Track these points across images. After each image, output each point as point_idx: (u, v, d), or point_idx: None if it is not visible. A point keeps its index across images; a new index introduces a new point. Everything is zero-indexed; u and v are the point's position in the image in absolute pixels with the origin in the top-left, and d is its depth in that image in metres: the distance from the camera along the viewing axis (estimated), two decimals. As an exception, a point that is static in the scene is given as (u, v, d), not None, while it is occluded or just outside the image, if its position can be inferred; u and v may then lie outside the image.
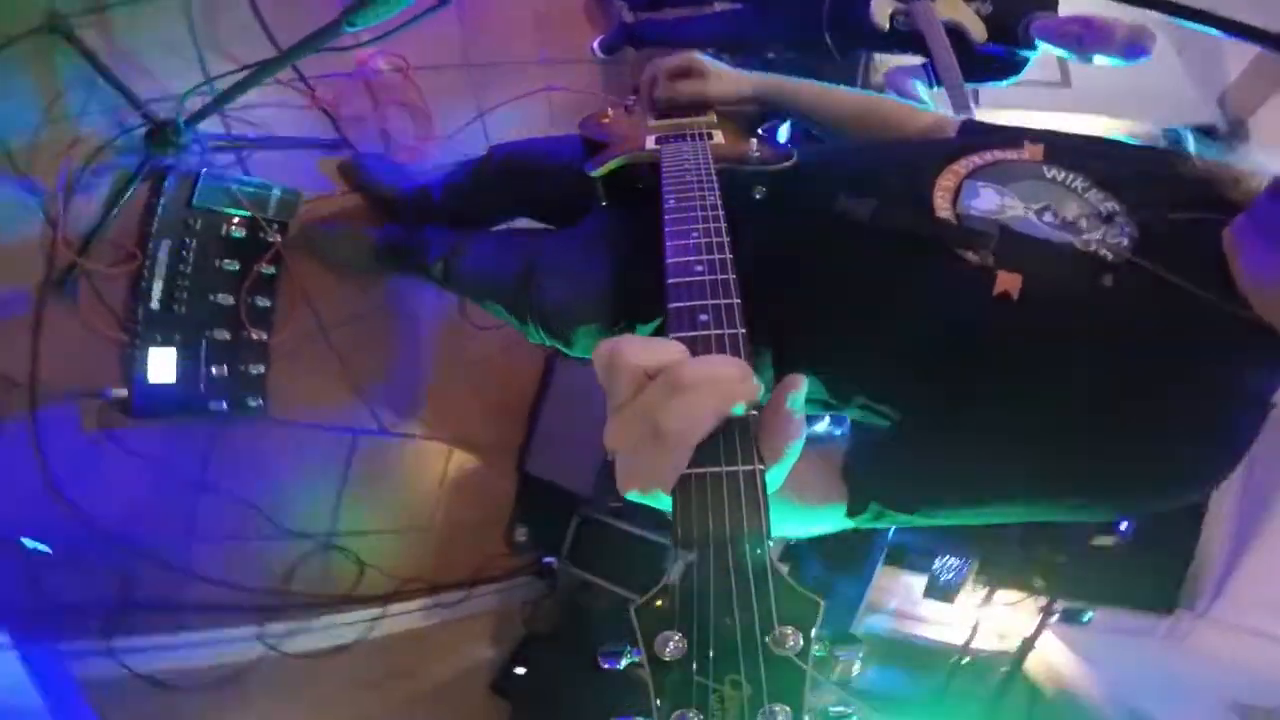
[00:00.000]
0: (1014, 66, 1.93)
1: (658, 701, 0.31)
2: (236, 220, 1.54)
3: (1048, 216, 0.71)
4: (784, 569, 0.34)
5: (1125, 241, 0.67)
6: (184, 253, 1.46)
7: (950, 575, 2.09)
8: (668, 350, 0.40)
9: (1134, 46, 1.72)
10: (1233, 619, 2.06)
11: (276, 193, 1.58)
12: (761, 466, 0.37)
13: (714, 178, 0.69)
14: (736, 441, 0.38)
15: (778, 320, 0.74)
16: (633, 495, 0.39)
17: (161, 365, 1.46)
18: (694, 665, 0.31)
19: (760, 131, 0.89)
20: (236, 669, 1.69)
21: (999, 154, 0.78)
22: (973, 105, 1.77)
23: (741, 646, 0.32)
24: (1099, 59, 1.78)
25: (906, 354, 0.71)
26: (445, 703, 2.12)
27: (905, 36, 1.87)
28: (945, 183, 0.75)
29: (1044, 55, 1.95)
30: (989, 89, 2.05)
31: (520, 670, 2.16)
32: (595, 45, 2.32)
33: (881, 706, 2.10)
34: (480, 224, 1.41)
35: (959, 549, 2.15)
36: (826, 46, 2.00)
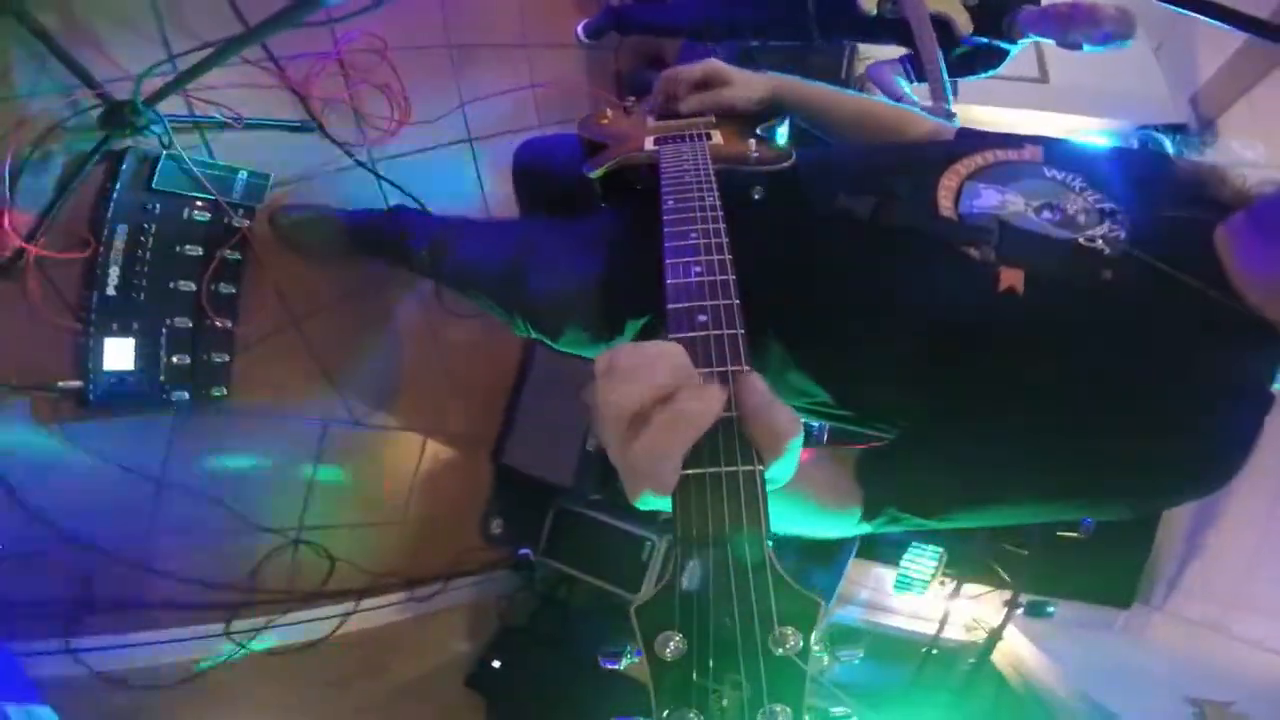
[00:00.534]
0: (993, 60, 1.95)
1: (658, 702, 0.31)
2: (200, 204, 1.47)
3: (1046, 214, 0.72)
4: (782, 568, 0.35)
5: (1123, 235, 0.69)
6: (142, 238, 1.39)
7: (919, 570, 2.13)
8: (659, 352, 0.39)
9: (1119, 29, 1.75)
10: (1186, 612, 2.13)
11: (243, 175, 1.52)
12: (761, 467, 0.37)
13: (713, 178, 0.69)
14: (736, 442, 0.38)
15: (780, 322, 0.74)
16: (642, 502, 0.38)
17: (118, 354, 1.40)
18: (694, 665, 0.32)
19: (759, 132, 0.89)
20: (204, 667, 1.65)
21: (1000, 154, 0.79)
22: (951, 98, 1.78)
23: (741, 647, 0.32)
24: (1086, 45, 1.80)
25: (912, 352, 0.71)
26: (420, 699, 2.11)
27: (891, 25, 1.87)
28: (948, 182, 0.76)
29: (1024, 51, 1.96)
30: (967, 82, 2.07)
31: (496, 664, 2.16)
32: (580, 30, 2.28)
33: (855, 697, 2.14)
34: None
35: (927, 540, 2.19)
36: (812, 33, 2.00)
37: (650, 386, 0.37)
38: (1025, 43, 1.93)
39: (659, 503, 0.38)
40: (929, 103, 1.72)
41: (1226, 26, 0.86)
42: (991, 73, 1.99)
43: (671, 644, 0.32)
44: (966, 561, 2.19)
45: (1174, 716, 1.56)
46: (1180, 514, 2.19)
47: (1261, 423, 0.65)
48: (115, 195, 1.35)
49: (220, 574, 1.71)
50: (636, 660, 0.33)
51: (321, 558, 1.87)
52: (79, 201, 1.34)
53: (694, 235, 0.57)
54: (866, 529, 0.72)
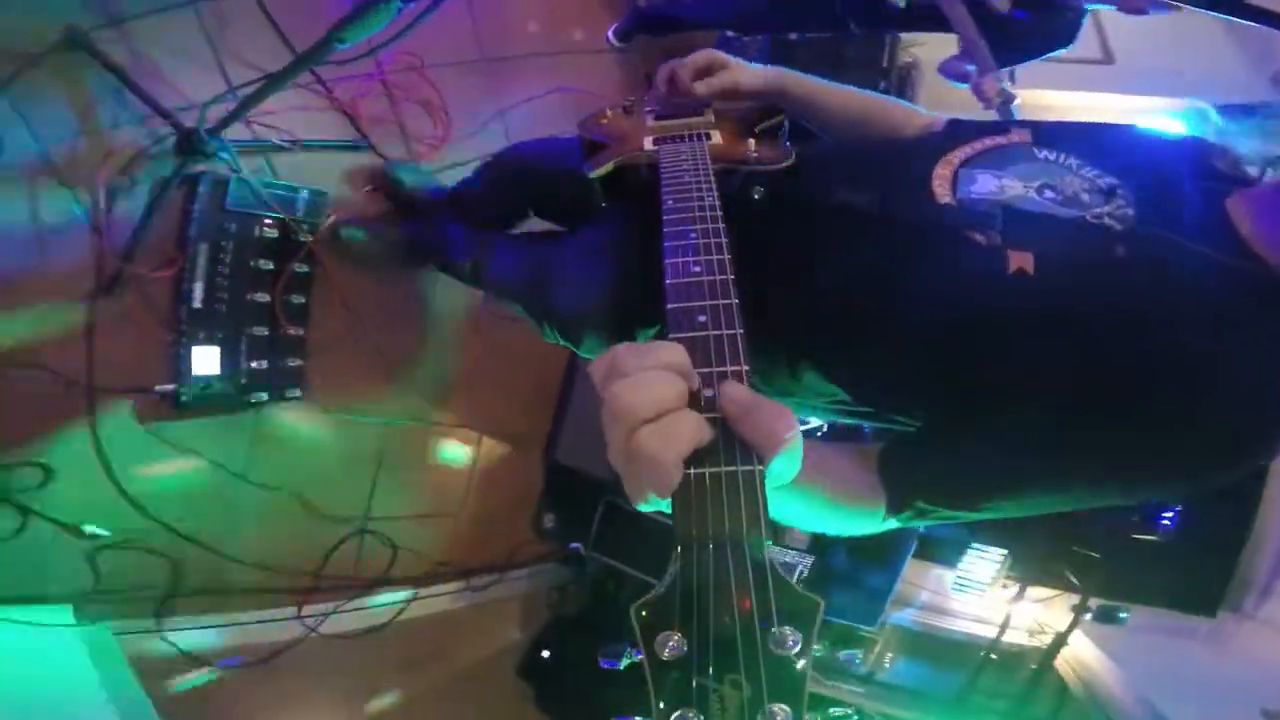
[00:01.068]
0: (1058, 33, 1.72)
1: (658, 702, 0.31)
2: (269, 221, 1.61)
3: (1049, 193, 0.70)
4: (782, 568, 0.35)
5: (1131, 211, 0.67)
6: (221, 254, 1.53)
7: (980, 572, 2.06)
8: (659, 354, 0.40)
9: None
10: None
11: (304, 194, 1.65)
12: (761, 467, 0.37)
13: (712, 178, 0.69)
14: (736, 442, 0.38)
15: (789, 323, 0.74)
16: (644, 505, 0.38)
17: (205, 361, 1.54)
18: (694, 665, 0.31)
19: (758, 131, 0.88)
20: (275, 649, 1.77)
21: (989, 140, 0.78)
22: (1008, 86, 1.66)
23: (741, 646, 0.32)
24: (1151, 9, 1.65)
25: (925, 343, 0.70)
26: (476, 685, 2.19)
27: (925, 12, 1.73)
28: (942, 172, 0.75)
29: (1086, 33, 1.79)
30: (1029, 67, 1.93)
31: (545, 654, 2.22)
32: (610, 33, 2.27)
33: (908, 701, 2.10)
34: (496, 224, 1.45)
35: (990, 542, 2.11)
36: (846, 25, 1.91)
37: (654, 390, 0.38)
38: (1089, 9, 1.78)
39: (660, 504, 0.38)
40: (992, 84, 1.59)
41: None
42: (1063, 48, 1.76)
43: (671, 644, 0.32)
44: (1032, 563, 2.09)
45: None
46: (1273, 514, 2.02)
47: None
48: (195, 216, 1.49)
49: (293, 561, 1.84)
50: (636, 660, 0.33)
51: (385, 546, 1.99)
52: (164, 223, 1.48)
53: (693, 235, 0.57)
54: (893, 524, 0.71)
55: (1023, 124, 0.81)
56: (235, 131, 1.47)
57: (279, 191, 1.61)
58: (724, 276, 0.50)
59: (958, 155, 0.77)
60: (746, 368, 0.42)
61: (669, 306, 0.48)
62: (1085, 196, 0.69)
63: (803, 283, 0.78)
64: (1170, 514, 1.96)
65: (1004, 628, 2.10)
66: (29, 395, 1.38)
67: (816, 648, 0.32)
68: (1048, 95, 2.25)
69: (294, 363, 1.73)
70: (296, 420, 1.79)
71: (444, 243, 1.56)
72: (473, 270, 1.41)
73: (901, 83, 2.18)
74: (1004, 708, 1.95)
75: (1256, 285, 0.63)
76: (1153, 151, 0.75)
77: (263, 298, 1.63)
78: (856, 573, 2.01)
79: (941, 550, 2.25)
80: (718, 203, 0.63)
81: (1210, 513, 1.99)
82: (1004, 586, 2.11)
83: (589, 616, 2.25)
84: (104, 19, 1.37)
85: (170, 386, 1.51)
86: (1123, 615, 2.02)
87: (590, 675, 2.10)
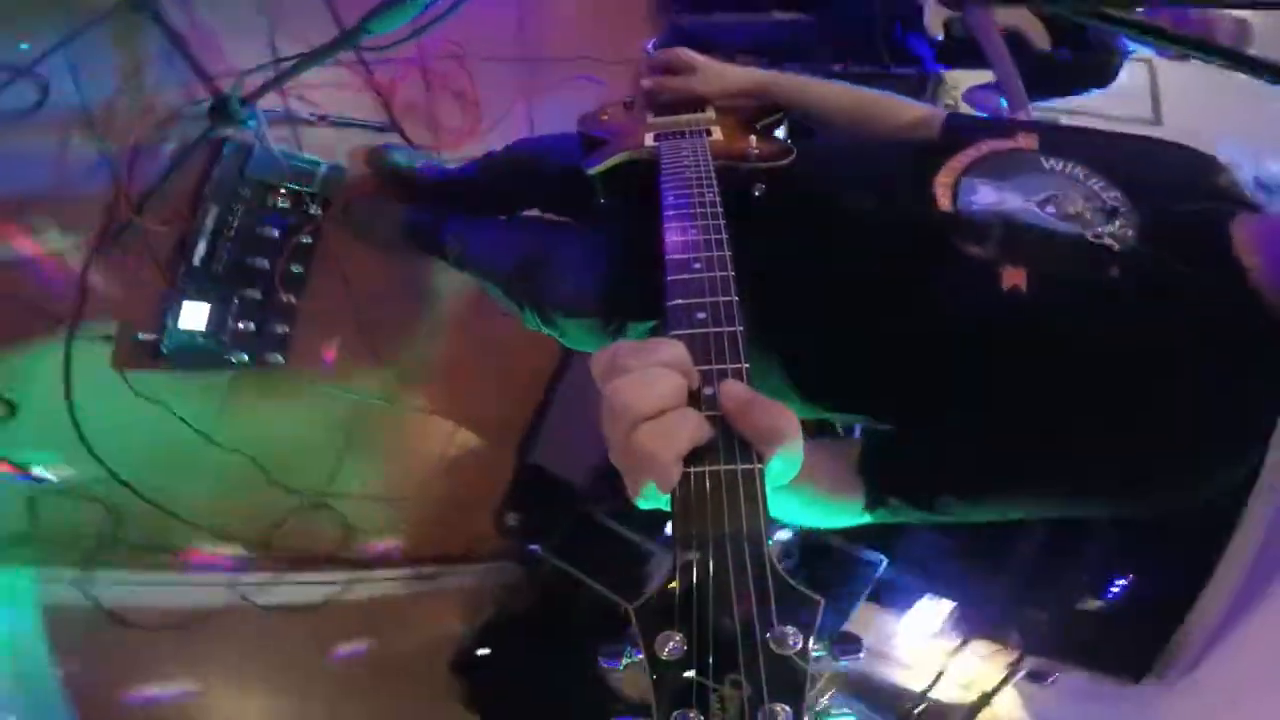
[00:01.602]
0: (1094, 73, 1.72)
1: (658, 702, 0.31)
2: (283, 192, 1.60)
3: (1051, 208, 0.69)
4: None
5: (1131, 232, 0.66)
6: (230, 218, 1.53)
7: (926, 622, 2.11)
8: (660, 351, 0.40)
9: (1237, 44, 1.49)
10: (1205, 691, 2.05)
11: (323, 169, 1.65)
12: (760, 465, 0.37)
13: (713, 175, 0.68)
14: (735, 441, 0.38)
15: (781, 318, 0.73)
16: (643, 500, 0.38)
17: (194, 316, 1.52)
18: (694, 665, 0.31)
19: (759, 128, 0.88)
20: (200, 614, 1.70)
21: (993, 144, 0.77)
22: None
23: (741, 646, 0.31)
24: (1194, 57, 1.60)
25: (913, 351, 0.70)
26: (405, 671, 2.13)
27: (963, 46, 1.71)
28: (943, 179, 0.74)
29: (1137, 90, 1.70)
30: (1070, 108, 1.80)
31: (483, 651, 2.18)
32: (649, 47, 2.30)
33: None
34: (495, 214, 1.44)
35: (944, 593, 2.15)
36: (884, 57, 1.86)
37: (655, 388, 0.37)
38: (1133, 53, 1.69)
39: (659, 501, 0.37)
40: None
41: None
42: (1098, 90, 1.75)
43: (671, 643, 0.32)
44: (981, 619, 2.14)
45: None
46: (1223, 592, 2.07)
47: (1275, 421, 0.63)
48: (212, 178, 1.49)
49: (242, 528, 1.78)
50: (636, 660, 0.33)
51: (338, 525, 1.94)
52: (183, 183, 1.49)
53: (694, 232, 0.56)
54: (868, 519, 0.71)
55: (1031, 127, 0.79)
56: (270, 102, 1.49)
57: (300, 164, 1.61)
58: (724, 273, 0.50)
59: (961, 161, 0.76)
60: (747, 365, 0.42)
61: (669, 303, 0.48)
62: (1087, 214, 0.68)
63: (800, 280, 0.77)
64: (1121, 582, 2.03)
65: (936, 680, 2.16)
66: (7, 325, 1.34)
67: (817, 647, 0.32)
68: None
69: (282, 329, 1.70)
70: (273, 387, 1.75)
71: (438, 230, 1.55)
72: (457, 254, 1.40)
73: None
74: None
75: (1247, 318, 0.63)
76: (1162, 164, 0.75)
77: (263, 263, 1.61)
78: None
79: (894, 596, 2.30)
80: (718, 199, 0.62)
81: (1159, 583, 2.06)
82: (949, 639, 2.16)
83: (536, 620, 2.23)
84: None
85: (153, 335, 1.48)
86: (1053, 677, 2.09)
87: (527, 678, 2.10)
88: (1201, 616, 1.99)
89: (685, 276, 0.50)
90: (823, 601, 0.33)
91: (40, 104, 1.29)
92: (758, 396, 0.39)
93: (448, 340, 2.07)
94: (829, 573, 2.08)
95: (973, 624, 2.10)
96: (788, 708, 0.29)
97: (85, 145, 1.37)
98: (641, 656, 0.33)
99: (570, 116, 1.00)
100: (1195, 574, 1.82)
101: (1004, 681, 2.05)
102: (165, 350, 1.50)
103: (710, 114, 0.91)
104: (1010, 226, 0.68)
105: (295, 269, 1.67)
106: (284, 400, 1.80)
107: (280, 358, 1.71)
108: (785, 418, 0.38)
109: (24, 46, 1.27)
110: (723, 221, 0.58)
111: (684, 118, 0.90)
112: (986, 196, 0.71)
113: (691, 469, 0.37)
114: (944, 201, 0.72)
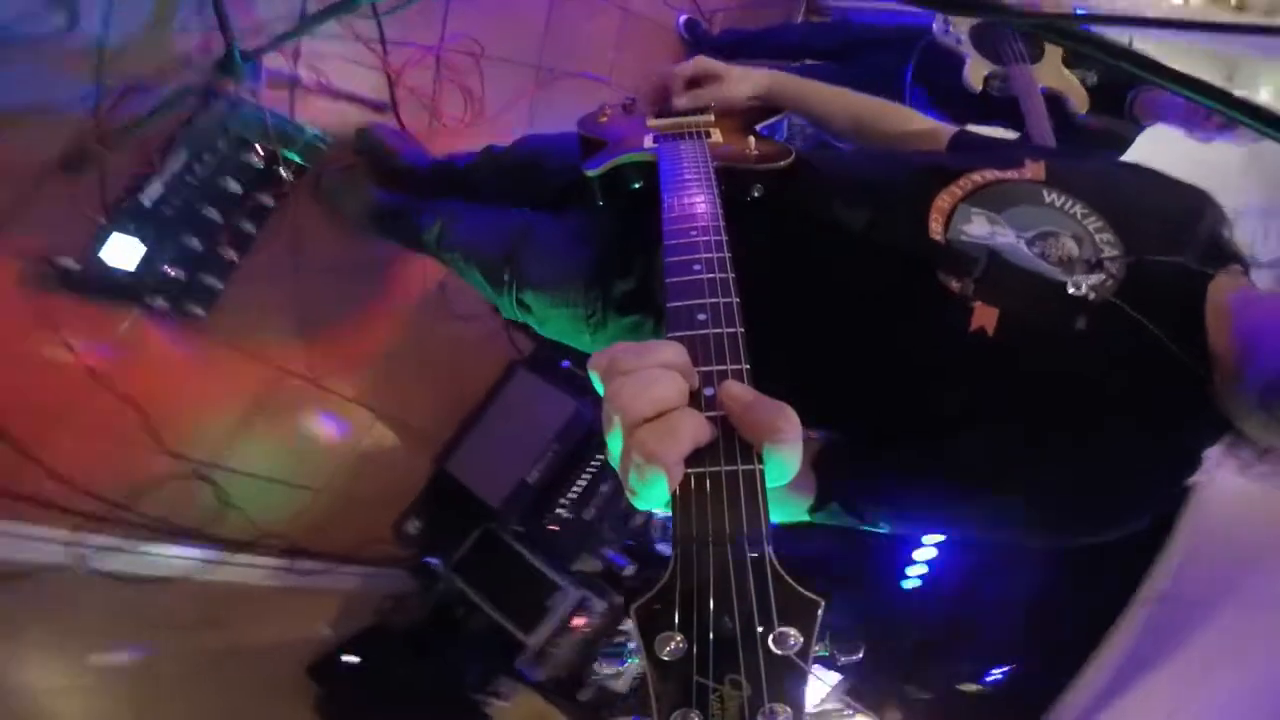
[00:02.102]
0: (1115, 143, 1.76)
1: (658, 702, 0.30)
2: (260, 152, 1.50)
3: (1038, 247, 0.70)
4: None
5: (1110, 283, 0.67)
6: (196, 166, 1.42)
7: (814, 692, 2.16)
8: (660, 352, 0.39)
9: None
10: None
11: (307, 135, 1.55)
12: (761, 466, 0.37)
13: (712, 176, 0.68)
14: (736, 442, 0.38)
15: (757, 319, 0.74)
16: (641, 501, 0.37)
17: (122, 252, 1.36)
18: (694, 665, 0.31)
19: (758, 130, 0.87)
20: (22, 569, 1.50)
21: (998, 174, 0.77)
22: None
23: (741, 646, 0.31)
24: (1220, 140, 1.56)
25: (875, 372, 0.72)
26: (250, 668, 1.94)
27: (998, 103, 1.69)
28: (941, 204, 0.75)
29: (1157, 145, 1.71)
30: None
31: (351, 659, 2.05)
32: (680, 25, 2.31)
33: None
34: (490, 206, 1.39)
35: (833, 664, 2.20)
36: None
37: (654, 389, 0.37)
38: (1149, 128, 1.71)
39: (658, 502, 0.37)
40: None
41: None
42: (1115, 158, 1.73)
43: (671, 644, 0.32)
44: (871, 691, 2.21)
45: None
46: (1092, 682, 2.21)
47: (1180, 484, 0.66)
48: (191, 125, 1.39)
49: (100, 484, 1.58)
50: (636, 660, 0.33)
51: (216, 500, 1.76)
52: (164, 128, 1.37)
53: (693, 233, 0.56)
54: (810, 518, 0.72)
55: (1040, 154, 0.79)
56: (279, 66, 1.45)
57: (285, 126, 1.52)
58: (724, 275, 0.50)
59: (961, 187, 0.76)
60: (747, 366, 0.42)
61: (669, 305, 0.48)
62: (1073, 260, 0.69)
63: (784, 286, 0.77)
64: (1002, 671, 2.16)
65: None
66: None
67: (817, 647, 0.32)
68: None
69: (213, 283, 1.55)
70: (184, 338, 1.58)
71: (417, 213, 1.48)
72: (438, 234, 1.33)
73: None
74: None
75: (1188, 388, 0.64)
76: (1162, 208, 0.74)
77: (214, 214, 1.48)
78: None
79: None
80: (718, 201, 0.62)
81: (1033, 674, 2.20)
82: (837, 706, 2.21)
83: (419, 635, 2.11)
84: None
85: (69, 260, 1.31)
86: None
87: (392, 694, 1.97)
88: (1068, 710, 2.14)
89: (685, 278, 0.49)
90: (823, 602, 0.33)
91: (67, 30, 1.24)
92: (759, 397, 0.39)
93: (389, 334, 1.96)
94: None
95: (858, 697, 2.17)
96: (788, 708, 0.29)
97: (86, 75, 1.29)
98: (641, 657, 0.32)
99: (571, 118, 0.97)
100: (1067, 668, 1.95)
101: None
102: (76, 279, 1.33)
103: (709, 116, 0.90)
104: (994, 264, 0.69)
105: (247, 227, 1.54)
106: (190, 355, 1.62)
107: (201, 311, 1.55)
108: (786, 418, 0.37)
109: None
110: (722, 223, 0.57)
111: (683, 120, 0.89)
112: (979, 229, 0.72)
113: (692, 470, 0.36)
114: (936, 228, 0.73)
